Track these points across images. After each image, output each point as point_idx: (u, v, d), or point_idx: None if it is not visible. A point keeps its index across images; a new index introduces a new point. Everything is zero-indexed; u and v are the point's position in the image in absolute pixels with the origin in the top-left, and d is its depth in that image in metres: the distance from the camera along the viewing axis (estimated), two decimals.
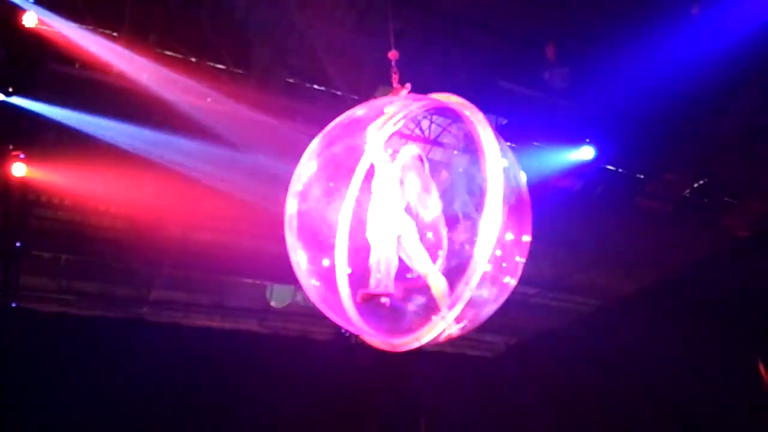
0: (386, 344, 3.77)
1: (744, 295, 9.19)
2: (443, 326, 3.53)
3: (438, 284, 3.68)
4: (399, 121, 3.81)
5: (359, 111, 3.88)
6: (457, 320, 3.59)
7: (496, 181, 3.40)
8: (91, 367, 8.82)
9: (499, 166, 3.43)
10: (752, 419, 9.38)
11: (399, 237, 3.76)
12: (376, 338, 3.79)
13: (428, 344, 3.73)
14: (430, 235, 3.77)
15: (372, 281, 3.67)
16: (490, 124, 3.67)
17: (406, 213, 3.82)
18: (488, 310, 3.69)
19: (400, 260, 3.79)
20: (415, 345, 3.61)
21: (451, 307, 3.48)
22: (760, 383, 9.61)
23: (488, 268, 3.45)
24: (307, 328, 10.78)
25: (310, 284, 3.83)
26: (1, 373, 8.28)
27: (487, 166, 3.46)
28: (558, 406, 10.82)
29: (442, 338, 3.64)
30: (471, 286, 3.39)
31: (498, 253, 3.65)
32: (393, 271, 3.68)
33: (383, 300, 3.71)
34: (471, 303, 3.55)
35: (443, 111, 4.01)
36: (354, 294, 3.66)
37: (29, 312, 9.05)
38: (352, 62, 7.22)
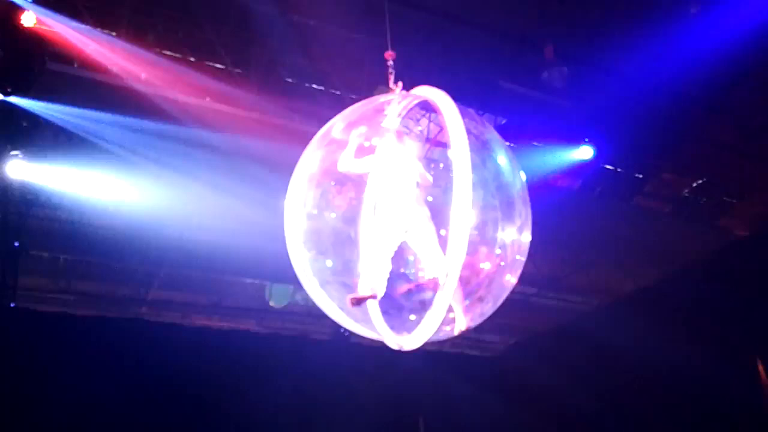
0: (394, 344, 3.74)
1: (743, 295, 9.19)
2: (437, 325, 3.48)
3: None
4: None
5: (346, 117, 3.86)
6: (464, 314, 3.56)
7: (463, 174, 3.25)
8: (90, 367, 8.80)
9: (467, 159, 3.29)
10: (752, 420, 9.38)
11: (407, 233, 3.72)
12: (386, 339, 3.75)
13: (432, 343, 3.70)
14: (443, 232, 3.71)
15: (360, 284, 3.64)
16: (489, 122, 3.65)
17: (417, 205, 3.77)
18: (488, 309, 3.67)
19: (400, 259, 3.76)
20: (420, 343, 3.58)
21: (436, 307, 3.43)
22: (759, 384, 9.61)
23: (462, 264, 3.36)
24: (306, 328, 10.78)
25: (315, 286, 3.80)
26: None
27: (453, 158, 3.33)
28: (557, 406, 10.82)
29: (456, 332, 3.60)
30: (449, 286, 3.32)
31: (498, 251, 3.62)
32: (383, 274, 3.63)
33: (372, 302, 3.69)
34: (474, 300, 3.53)
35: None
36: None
37: (28, 312, 9.04)
38: (351, 62, 7.22)
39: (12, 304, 8.81)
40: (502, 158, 3.79)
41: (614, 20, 7.04)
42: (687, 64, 7.07)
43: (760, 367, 9.61)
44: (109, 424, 8.71)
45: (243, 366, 9.62)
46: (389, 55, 4.11)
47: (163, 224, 8.35)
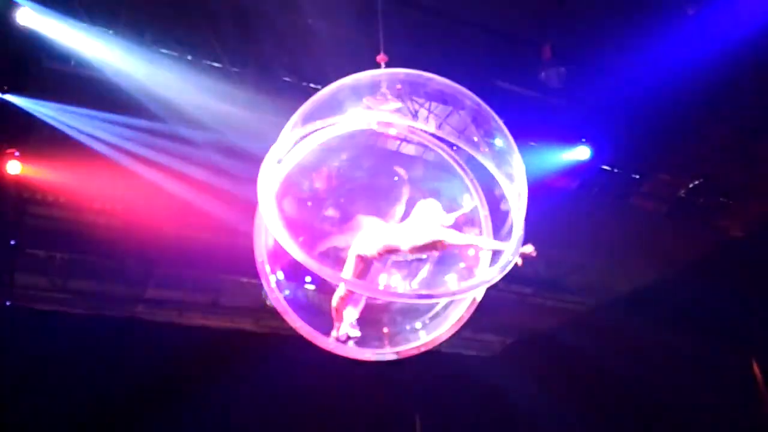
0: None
1: (739, 295, 9.21)
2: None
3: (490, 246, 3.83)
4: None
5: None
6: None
7: None
8: (86, 366, 8.81)
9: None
10: (747, 419, 9.41)
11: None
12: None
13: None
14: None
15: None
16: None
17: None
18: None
19: None
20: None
21: None
22: (754, 383, 9.64)
23: None
24: None
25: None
26: None
27: None
28: (553, 407, 10.84)
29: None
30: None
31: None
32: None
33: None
34: None
35: (443, 99, 4.01)
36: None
37: (24, 310, 9.03)
38: (349, 61, 7.18)
39: (8, 303, 8.82)
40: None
41: (611, 21, 7.05)
42: (684, 64, 7.09)
43: (756, 367, 9.66)
44: (104, 423, 8.71)
45: (240, 365, 9.62)
46: (382, 59, 4.09)
47: (158, 222, 8.33)
